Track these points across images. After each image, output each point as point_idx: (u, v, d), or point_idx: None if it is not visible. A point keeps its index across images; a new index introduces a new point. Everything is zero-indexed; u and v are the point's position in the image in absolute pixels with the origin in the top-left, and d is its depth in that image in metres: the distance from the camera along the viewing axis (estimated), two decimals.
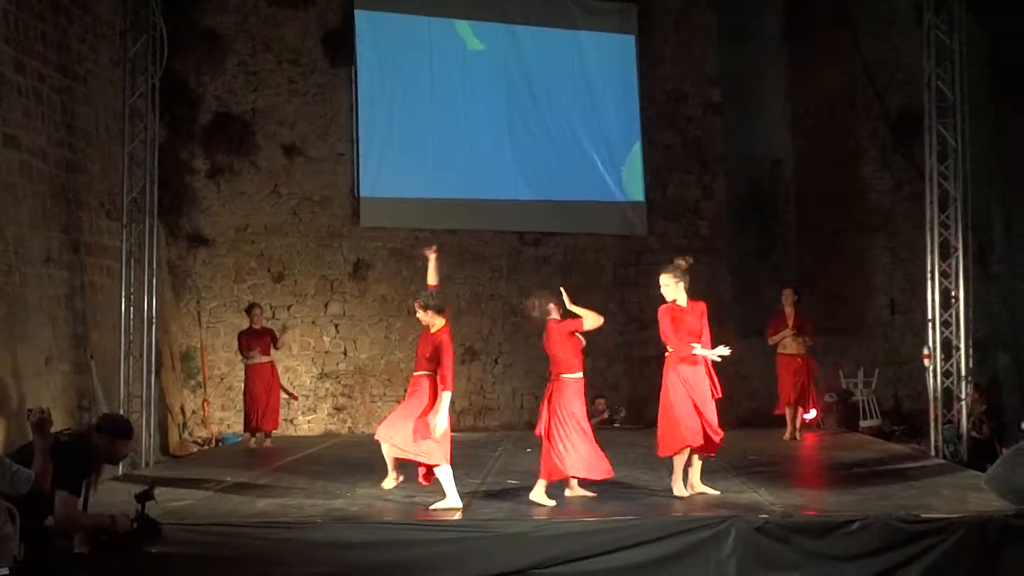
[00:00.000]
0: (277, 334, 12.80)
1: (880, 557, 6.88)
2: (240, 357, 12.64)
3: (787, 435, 12.00)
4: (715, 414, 8.02)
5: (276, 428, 12.57)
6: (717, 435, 8.02)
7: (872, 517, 7.02)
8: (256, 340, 12.30)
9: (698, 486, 8.19)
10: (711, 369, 8.07)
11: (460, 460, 9.12)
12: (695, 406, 7.95)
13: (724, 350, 7.94)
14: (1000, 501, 7.39)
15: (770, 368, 12.38)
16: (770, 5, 15.23)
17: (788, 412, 12.03)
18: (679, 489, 8.07)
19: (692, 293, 8.11)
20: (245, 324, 12.64)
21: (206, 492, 8.72)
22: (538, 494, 7.87)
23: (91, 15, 11.44)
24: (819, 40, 15.01)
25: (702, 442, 8.01)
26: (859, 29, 14.86)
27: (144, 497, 6.36)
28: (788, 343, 12.01)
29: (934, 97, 10.73)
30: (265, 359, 12.34)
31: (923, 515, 7.08)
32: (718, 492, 8.14)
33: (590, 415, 8.41)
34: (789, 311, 12.01)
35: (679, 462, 8.09)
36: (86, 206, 11.21)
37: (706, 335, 8.07)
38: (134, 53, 10.81)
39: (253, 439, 12.31)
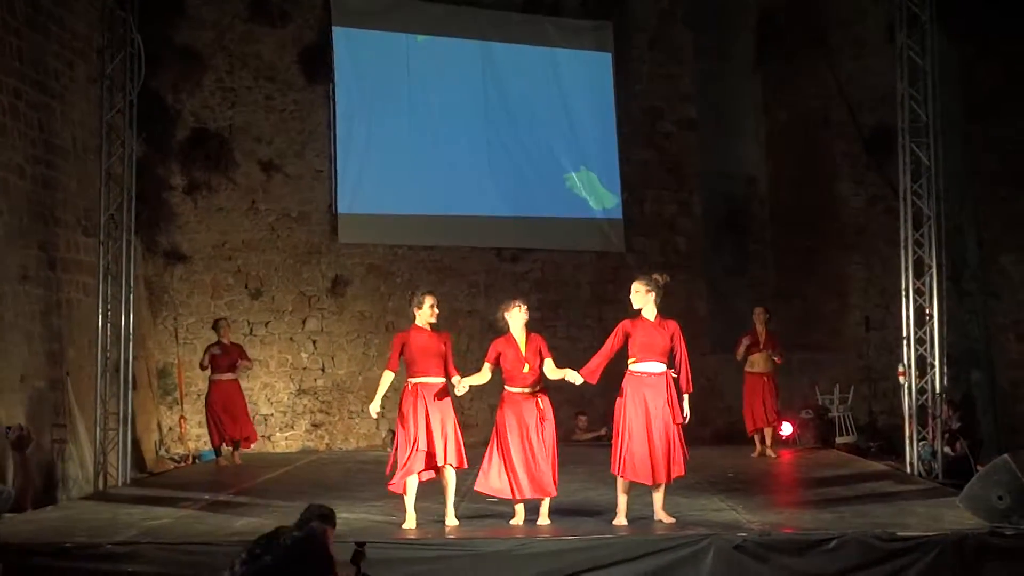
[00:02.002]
0: (245, 350, 12.44)
1: (858, 575, 6.92)
2: (206, 371, 12.19)
3: (756, 453, 12.10)
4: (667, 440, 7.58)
5: (254, 440, 12.50)
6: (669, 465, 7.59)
7: (849, 535, 7.06)
8: (223, 357, 11.98)
9: (658, 514, 7.74)
10: (671, 391, 7.65)
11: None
12: (647, 434, 7.56)
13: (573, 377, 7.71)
14: (976, 519, 7.46)
15: (741, 382, 12.40)
16: (744, 24, 15.38)
17: (756, 433, 12.15)
18: (619, 519, 7.69)
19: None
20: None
21: (183, 510, 8.68)
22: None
23: (68, 32, 11.42)
24: (793, 58, 15.15)
25: (637, 477, 7.60)
26: (832, 48, 15.02)
27: (358, 558, 6.19)
28: (756, 361, 12.01)
29: (907, 117, 10.86)
30: (229, 376, 12.02)
31: (900, 533, 7.12)
32: (673, 520, 7.68)
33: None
34: (760, 329, 12.02)
35: (621, 486, 7.71)
36: (63, 223, 11.17)
37: (680, 357, 7.69)
38: (111, 70, 10.79)
39: (222, 457, 12.10)
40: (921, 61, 10.82)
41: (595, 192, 15.09)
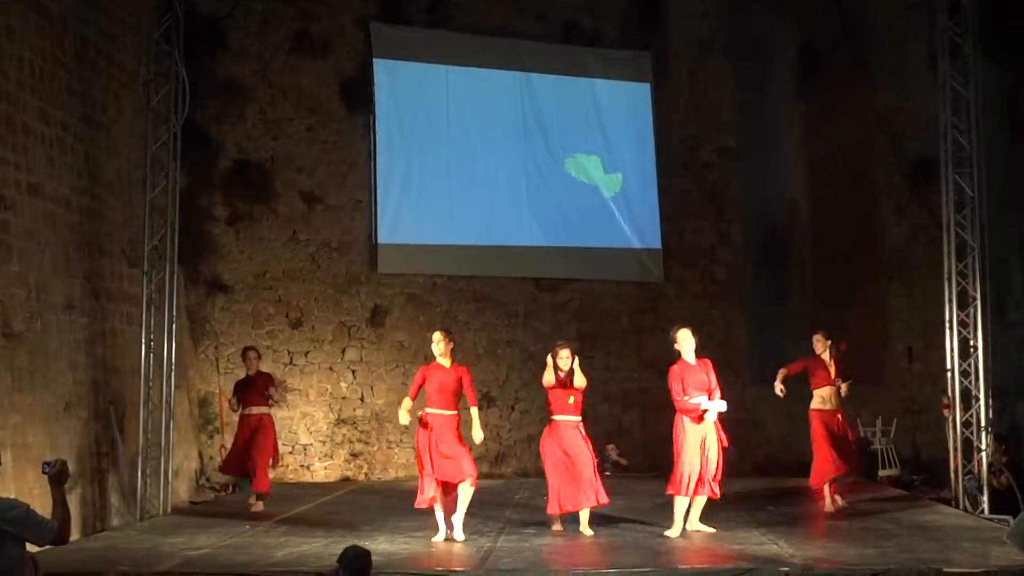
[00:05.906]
0: (275, 380, 11.35)
1: None
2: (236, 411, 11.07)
3: (830, 505, 10.12)
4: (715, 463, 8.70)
5: (266, 491, 10.83)
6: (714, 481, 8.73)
7: (894, 571, 6.99)
8: (247, 390, 10.86)
9: (694, 524, 8.77)
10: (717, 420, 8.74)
11: (476, 508, 9.13)
12: (701, 456, 8.66)
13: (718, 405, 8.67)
14: (1023, 555, 7.32)
15: (781, 413, 12.15)
16: (784, 51, 15.33)
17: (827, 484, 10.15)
18: (674, 531, 8.67)
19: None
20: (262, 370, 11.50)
21: (224, 540, 8.72)
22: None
23: (115, 65, 11.60)
24: (833, 86, 15.05)
25: (694, 492, 8.71)
26: (873, 75, 14.91)
27: None
28: (828, 397, 10.14)
29: (950, 147, 10.75)
30: (256, 410, 10.82)
31: (945, 569, 7.04)
32: (713, 530, 8.74)
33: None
34: (826, 358, 10.14)
35: (679, 504, 8.72)
36: (107, 253, 11.31)
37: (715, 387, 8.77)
38: (156, 102, 10.95)
39: (255, 505, 10.77)
40: (964, 91, 10.72)
41: (634, 222, 15.05)
